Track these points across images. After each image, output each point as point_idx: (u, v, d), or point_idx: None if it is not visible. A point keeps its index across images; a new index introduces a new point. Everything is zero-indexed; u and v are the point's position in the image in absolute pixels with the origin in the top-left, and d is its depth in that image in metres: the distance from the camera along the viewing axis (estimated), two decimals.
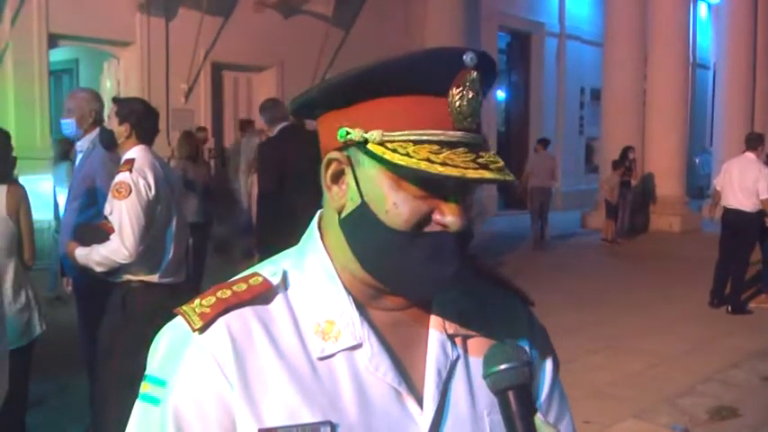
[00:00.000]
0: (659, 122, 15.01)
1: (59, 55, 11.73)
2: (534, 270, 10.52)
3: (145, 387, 1.06)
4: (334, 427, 1.02)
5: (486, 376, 1.06)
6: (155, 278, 3.99)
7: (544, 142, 14.76)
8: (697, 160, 22.23)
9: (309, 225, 1.16)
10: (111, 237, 3.84)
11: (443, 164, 0.97)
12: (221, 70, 13.23)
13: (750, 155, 9.02)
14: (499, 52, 18.78)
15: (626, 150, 14.05)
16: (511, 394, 1.04)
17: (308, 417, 1.01)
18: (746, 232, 8.86)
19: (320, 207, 1.15)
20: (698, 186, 20.05)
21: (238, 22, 12.83)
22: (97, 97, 5.16)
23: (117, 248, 3.82)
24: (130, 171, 3.92)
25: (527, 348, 1.19)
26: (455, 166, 0.97)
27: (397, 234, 1.02)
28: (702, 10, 23.04)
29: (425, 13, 15.51)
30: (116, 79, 12.20)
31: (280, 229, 5.37)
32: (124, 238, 3.81)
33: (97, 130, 5.34)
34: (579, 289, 9.81)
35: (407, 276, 1.04)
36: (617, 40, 15.54)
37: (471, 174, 0.97)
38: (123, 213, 3.83)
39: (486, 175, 0.98)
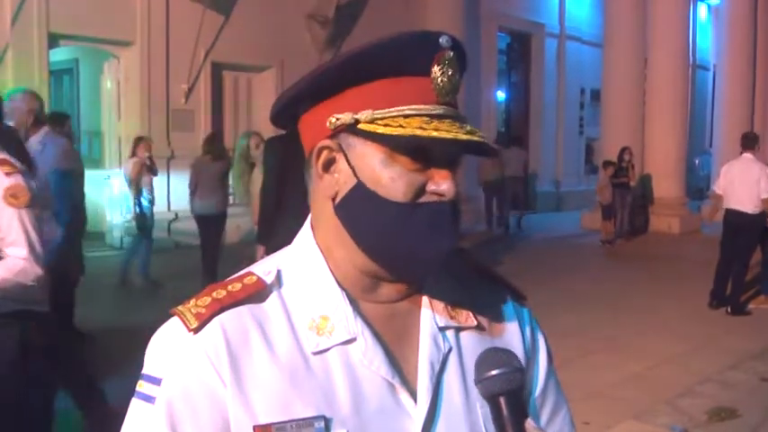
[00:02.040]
0: (659, 123, 15.01)
1: (60, 55, 11.74)
2: (533, 270, 10.52)
3: (140, 386, 1.07)
4: (328, 421, 1.03)
5: (477, 382, 1.07)
6: (46, 306, 3.36)
7: (519, 140, 17.58)
8: (697, 161, 22.23)
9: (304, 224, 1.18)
10: (10, 253, 3.12)
11: (436, 130, 1.02)
12: (221, 70, 13.23)
13: (748, 155, 9.02)
14: (499, 53, 18.82)
15: (621, 151, 13.99)
16: (502, 400, 1.04)
17: (301, 411, 1.02)
18: (748, 233, 8.84)
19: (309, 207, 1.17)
20: (697, 187, 20.04)
21: (239, 22, 12.84)
22: (36, 97, 4.97)
23: (27, 268, 3.11)
24: (20, 172, 3.20)
25: (521, 347, 1.20)
26: (447, 131, 1.03)
27: (397, 206, 1.04)
28: (702, 11, 23.05)
29: (425, 15, 15.53)
30: (116, 79, 12.21)
31: (281, 222, 5.40)
32: (36, 252, 3.13)
33: (44, 130, 5.13)
34: (578, 290, 9.82)
35: (408, 251, 1.06)
36: (617, 41, 15.54)
37: (463, 136, 1.03)
38: (26, 223, 3.13)
39: (475, 138, 1.04)
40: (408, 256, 1.07)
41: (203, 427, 1.03)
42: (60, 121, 7.27)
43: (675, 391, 6.02)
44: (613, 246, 13.75)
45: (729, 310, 8.80)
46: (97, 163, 12.40)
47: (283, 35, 13.36)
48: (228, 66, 13.24)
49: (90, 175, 12.11)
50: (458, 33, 14.66)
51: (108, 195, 12.03)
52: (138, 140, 9.71)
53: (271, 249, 1.25)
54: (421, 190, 1.05)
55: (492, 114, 18.15)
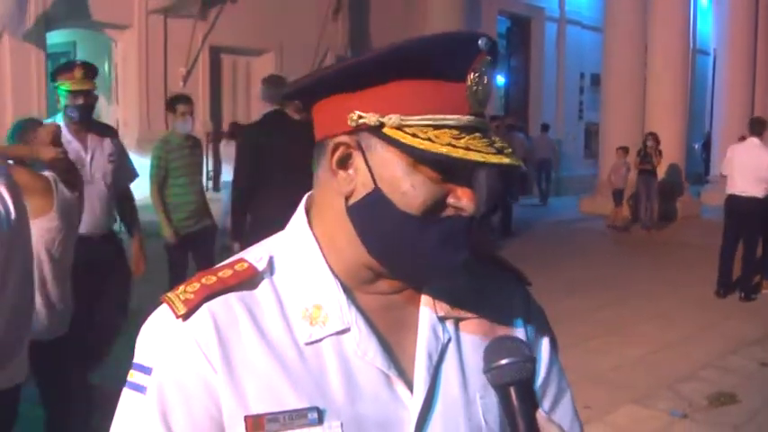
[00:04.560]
0: (659, 108, 14.96)
1: (57, 38, 11.68)
2: (533, 255, 10.51)
3: (131, 375, 1.05)
4: (321, 412, 1.00)
5: (486, 371, 1.04)
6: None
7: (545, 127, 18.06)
8: (696, 146, 22.21)
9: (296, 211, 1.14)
10: None
11: (466, 149, 0.97)
12: (220, 54, 13.17)
13: (755, 140, 8.93)
14: (499, 37, 18.74)
15: (645, 137, 13.65)
16: (512, 390, 1.01)
17: (294, 403, 1.00)
18: (756, 218, 8.76)
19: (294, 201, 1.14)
20: (696, 173, 20.03)
21: (237, 5, 12.77)
22: None
23: None
24: None
25: (524, 335, 1.18)
26: (477, 151, 0.97)
27: (413, 218, 1.01)
28: None
29: None
30: (114, 63, 12.15)
31: (258, 222, 5.19)
32: None
33: None
34: (578, 275, 9.81)
35: (419, 262, 1.03)
36: (617, 25, 15.47)
37: (493, 159, 0.97)
38: None
39: (505, 160, 0.98)
40: (416, 267, 1.04)
41: (196, 416, 1.00)
42: None
43: (676, 376, 6.02)
44: (628, 232, 13.50)
45: (743, 295, 8.78)
46: None
47: (282, 19, 13.29)
48: (227, 49, 13.18)
49: None
50: (458, 17, 14.70)
51: None
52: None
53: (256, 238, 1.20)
54: (441, 202, 1.01)
55: (491, 99, 18.10)
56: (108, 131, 5.02)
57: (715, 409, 5.44)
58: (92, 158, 4.72)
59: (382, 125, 1.00)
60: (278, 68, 13.34)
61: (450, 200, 1.02)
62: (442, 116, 0.99)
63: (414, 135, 0.98)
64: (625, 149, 13.95)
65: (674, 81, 15.07)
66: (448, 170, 1.00)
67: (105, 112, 12.42)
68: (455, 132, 0.98)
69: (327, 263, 1.07)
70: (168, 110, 6.61)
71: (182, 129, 6.26)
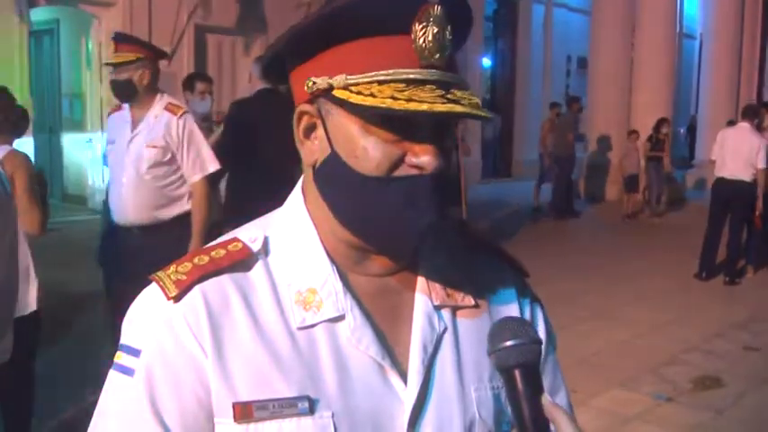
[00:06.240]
0: (646, 92, 14.97)
1: (40, 15, 11.52)
2: (523, 239, 10.52)
3: (119, 357, 1.02)
4: (312, 401, 0.97)
5: (491, 352, 1.00)
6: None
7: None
8: (681, 130, 22.24)
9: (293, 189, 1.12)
10: None
11: (409, 100, 0.93)
12: (205, 33, 13.06)
13: (746, 124, 8.97)
14: (486, 19, 18.67)
15: (659, 123, 13.32)
16: (517, 373, 0.97)
17: (285, 391, 0.97)
18: (744, 202, 8.80)
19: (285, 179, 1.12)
20: (682, 156, 20.07)
21: None
22: None
23: None
24: None
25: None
26: (421, 101, 0.93)
27: (369, 179, 0.97)
28: None
29: None
30: (98, 41, 12.01)
31: (242, 197, 5.09)
32: None
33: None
34: (566, 258, 9.83)
35: (384, 226, 1.00)
36: (604, 8, 15.47)
37: (439, 107, 0.93)
38: None
39: (457, 108, 0.93)
40: (384, 232, 1.00)
41: (185, 400, 0.98)
42: None
43: (661, 360, 6.06)
44: (637, 219, 13.41)
45: (728, 279, 8.82)
46: (79, 125, 12.25)
47: None
48: (212, 29, 13.06)
49: (72, 138, 12.08)
50: None
51: (90, 158, 11.89)
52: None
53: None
54: (398, 162, 0.97)
55: (477, 81, 18.03)
56: (171, 110, 4.31)
57: (699, 392, 5.48)
58: (131, 140, 4.25)
59: (332, 87, 0.97)
60: (263, 48, 13.25)
61: (410, 158, 0.97)
62: (387, 71, 0.95)
63: (359, 93, 0.95)
64: (637, 133, 13.74)
65: (661, 65, 15.08)
66: (401, 128, 0.97)
67: (89, 90, 12.32)
68: (401, 86, 0.94)
69: (323, 244, 1.05)
70: (185, 88, 6.23)
71: (199, 108, 5.88)
